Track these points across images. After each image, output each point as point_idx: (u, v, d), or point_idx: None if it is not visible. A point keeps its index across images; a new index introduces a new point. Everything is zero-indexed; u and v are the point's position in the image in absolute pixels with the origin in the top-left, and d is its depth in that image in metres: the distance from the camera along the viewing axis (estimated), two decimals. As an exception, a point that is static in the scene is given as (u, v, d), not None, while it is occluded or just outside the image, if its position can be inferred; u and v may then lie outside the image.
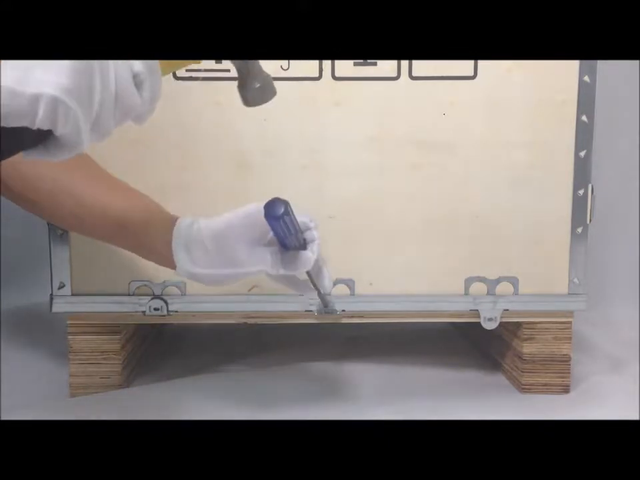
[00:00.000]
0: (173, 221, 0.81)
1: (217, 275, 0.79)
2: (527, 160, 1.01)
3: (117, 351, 1.03)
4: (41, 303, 1.05)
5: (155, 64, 0.59)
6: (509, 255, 1.03)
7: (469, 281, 1.03)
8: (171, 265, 0.80)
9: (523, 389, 1.05)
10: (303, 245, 0.78)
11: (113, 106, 0.53)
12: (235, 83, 1.00)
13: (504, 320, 1.04)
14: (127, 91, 0.55)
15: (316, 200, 1.01)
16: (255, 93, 0.73)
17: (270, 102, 0.99)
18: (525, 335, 1.04)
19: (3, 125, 0.45)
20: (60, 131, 0.48)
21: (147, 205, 0.82)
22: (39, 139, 0.49)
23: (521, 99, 0.99)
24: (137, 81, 0.56)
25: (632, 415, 0.93)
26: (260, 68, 0.72)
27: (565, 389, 1.05)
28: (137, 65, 0.57)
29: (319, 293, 0.84)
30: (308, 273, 0.81)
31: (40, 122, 0.47)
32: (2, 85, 0.47)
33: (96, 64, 0.53)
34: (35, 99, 0.47)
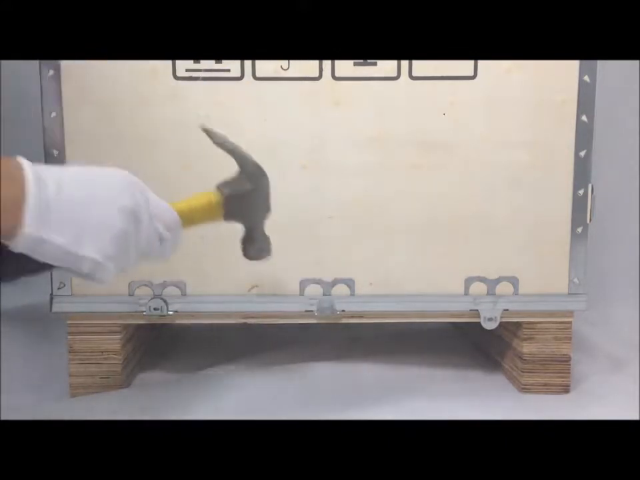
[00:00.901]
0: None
1: None
2: (527, 160, 1.01)
3: (117, 351, 1.03)
4: (41, 302, 1.05)
5: (178, 224, 0.72)
6: (509, 255, 1.03)
7: (468, 281, 1.03)
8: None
9: (523, 388, 1.05)
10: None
11: (138, 257, 0.67)
12: (235, 83, 1.01)
13: (504, 320, 1.04)
14: (153, 247, 0.69)
15: (316, 200, 1.01)
16: (254, 251, 0.84)
17: (270, 102, 1.00)
18: (525, 334, 1.04)
19: (52, 264, 0.60)
20: (95, 277, 0.63)
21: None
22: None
23: (521, 99, 0.99)
24: (161, 239, 0.69)
25: (632, 415, 0.93)
26: (263, 229, 0.83)
27: (565, 389, 1.05)
28: (163, 230, 0.69)
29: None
30: None
31: (82, 271, 0.62)
32: (58, 243, 0.59)
33: (132, 235, 0.65)
34: (83, 259, 0.61)
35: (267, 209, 0.83)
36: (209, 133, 0.82)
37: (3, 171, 0.57)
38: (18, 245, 0.58)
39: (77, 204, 0.60)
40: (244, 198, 0.79)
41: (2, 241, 0.58)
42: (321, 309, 1.01)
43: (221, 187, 0.79)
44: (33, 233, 0.57)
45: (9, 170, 0.58)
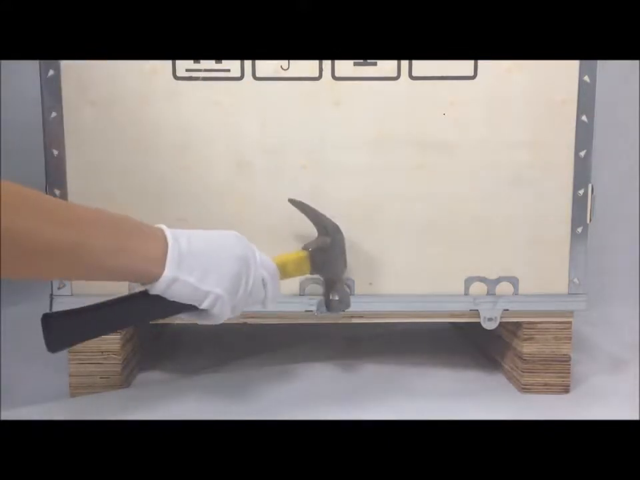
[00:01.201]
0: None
1: None
2: (527, 160, 1.01)
3: (117, 351, 1.03)
4: (41, 302, 1.05)
5: (277, 272, 0.87)
6: (509, 254, 1.03)
7: (468, 281, 1.03)
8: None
9: (523, 388, 1.05)
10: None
11: (247, 297, 0.82)
12: (235, 83, 1.01)
13: (504, 320, 1.04)
14: (257, 289, 0.83)
15: (316, 200, 1.01)
16: (335, 303, 0.98)
17: (270, 102, 1.00)
18: (525, 335, 1.04)
19: (178, 301, 0.77)
20: (213, 311, 0.79)
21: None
22: (197, 309, 0.79)
23: (521, 99, 0.99)
24: (264, 283, 0.85)
25: (632, 415, 0.93)
26: (344, 284, 0.99)
27: (565, 389, 1.05)
28: (266, 275, 0.84)
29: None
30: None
31: (204, 305, 0.78)
32: (189, 281, 0.76)
33: (244, 275, 0.81)
34: (207, 293, 0.77)
35: (344, 263, 0.98)
36: (293, 202, 0.98)
37: (152, 233, 0.76)
38: (157, 286, 0.75)
39: (202, 253, 0.78)
40: (325, 252, 0.95)
41: (146, 284, 0.76)
42: (321, 309, 1.01)
43: (306, 246, 0.95)
44: (171, 274, 0.75)
45: (155, 233, 0.76)
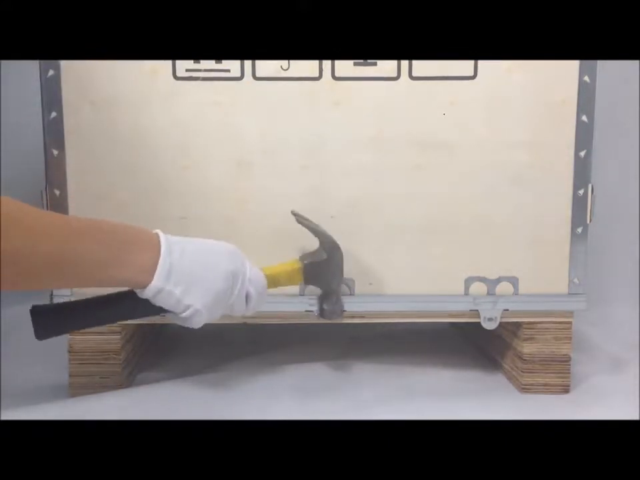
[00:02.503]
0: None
1: None
2: (527, 160, 1.01)
3: (117, 351, 1.03)
4: (41, 303, 1.05)
5: (265, 288, 0.89)
6: (509, 254, 1.03)
7: (468, 281, 1.03)
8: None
9: (523, 388, 1.05)
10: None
11: (227, 310, 0.86)
12: (235, 83, 1.01)
13: (504, 320, 1.04)
14: (239, 304, 0.87)
15: (316, 200, 1.01)
16: (327, 312, 0.98)
17: (270, 102, 1.00)
18: (525, 335, 1.04)
19: (159, 306, 0.82)
20: (191, 321, 0.83)
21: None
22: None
23: (521, 99, 0.99)
24: (248, 298, 0.87)
25: (632, 415, 0.93)
26: (339, 295, 0.99)
27: (565, 389, 1.05)
28: (252, 290, 0.87)
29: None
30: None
31: (183, 315, 0.82)
32: (174, 293, 0.80)
33: (228, 292, 0.84)
34: (187, 306, 0.81)
35: (339, 278, 0.98)
36: (296, 215, 0.98)
37: (146, 241, 0.80)
38: (145, 293, 0.80)
39: (192, 267, 0.81)
40: (320, 267, 0.96)
41: (136, 289, 0.81)
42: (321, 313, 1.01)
43: (302, 258, 0.96)
44: (159, 285, 0.79)
45: (150, 240, 0.80)
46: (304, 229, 0.98)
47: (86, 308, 0.84)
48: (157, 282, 0.79)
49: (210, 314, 0.84)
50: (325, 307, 0.98)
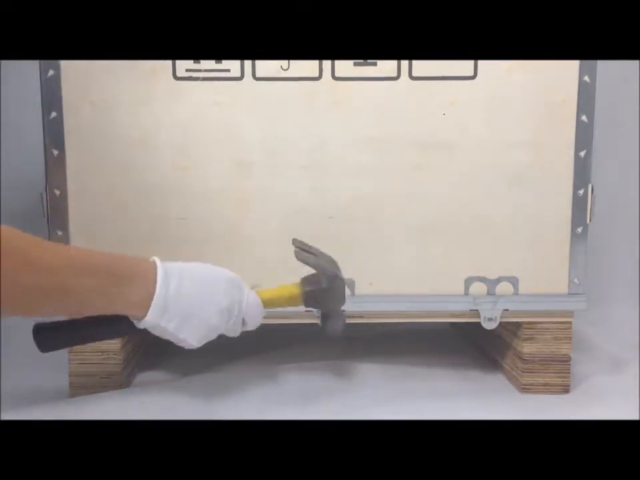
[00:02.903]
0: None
1: None
2: (527, 160, 1.01)
3: (116, 351, 1.03)
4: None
5: (261, 316, 0.90)
6: (509, 254, 1.03)
7: (468, 281, 1.03)
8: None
9: (523, 389, 1.05)
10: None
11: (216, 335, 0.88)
12: (235, 83, 1.01)
13: (504, 320, 1.04)
14: (233, 332, 0.89)
15: (316, 200, 1.01)
16: (328, 330, 0.95)
17: (270, 102, 1.00)
18: (525, 334, 1.04)
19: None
20: (184, 346, 0.87)
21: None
22: None
23: (521, 99, 0.99)
24: (243, 326, 0.89)
25: (632, 415, 0.93)
26: (341, 315, 0.95)
27: (565, 389, 1.05)
28: (247, 319, 0.88)
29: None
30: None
31: (178, 343, 0.86)
32: (168, 329, 0.82)
33: (222, 324, 0.86)
34: (181, 340, 0.85)
35: (340, 304, 0.95)
36: (297, 246, 0.95)
37: (142, 273, 0.80)
38: (141, 325, 0.82)
39: (188, 299, 0.82)
40: (321, 294, 0.93)
41: (132, 319, 0.82)
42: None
43: (303, 282, 0.93)
44: (153, 321, 0.81)
45: (146, 272, 0.81)
46: (304, 228, 0.98)
47: (86, 326, 0.85)
48: (150, 317, 0.81)
49: (203, 342, 0.86)
50: (326, 326, 0.96)
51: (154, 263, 0.82)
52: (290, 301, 0.93)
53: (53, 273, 0.74)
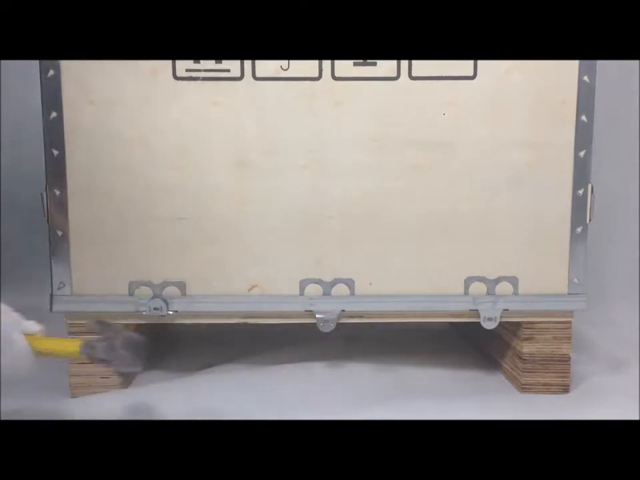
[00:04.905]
0: None
1: None
2: (527, 160, 1.01)
3: (116, 351, 1.02)
4: (41, 302, 1.05)
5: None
6: (509, 254, 1.03)
7: (468, 281, 1.03)
8: None
9: (523, 388, 1.05)
10: None
11: None
12: (235, 83, 1.00)
13: (504, 320, 1.04)
14: None
15: (316, 200, 1.01)
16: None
17: (270, 102, 1.00)
18: (525, 334, 1.04)
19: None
20: None
21: None
22: None
23: (521, 99, 0.99)
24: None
25: (632, 415, 0.93)
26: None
27: (565, 389, 1.05)
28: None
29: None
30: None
31: None
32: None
33: None
34: None
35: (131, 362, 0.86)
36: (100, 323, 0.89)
37: None
38: None
39: None
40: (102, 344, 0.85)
41: None
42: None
43: (84, 349, 0.85)
44: None
45: None
46: (304, 228, 0.98)
47: None
48: None
49: None
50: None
51: None
52: (69, 355, 0.89)
53: None
